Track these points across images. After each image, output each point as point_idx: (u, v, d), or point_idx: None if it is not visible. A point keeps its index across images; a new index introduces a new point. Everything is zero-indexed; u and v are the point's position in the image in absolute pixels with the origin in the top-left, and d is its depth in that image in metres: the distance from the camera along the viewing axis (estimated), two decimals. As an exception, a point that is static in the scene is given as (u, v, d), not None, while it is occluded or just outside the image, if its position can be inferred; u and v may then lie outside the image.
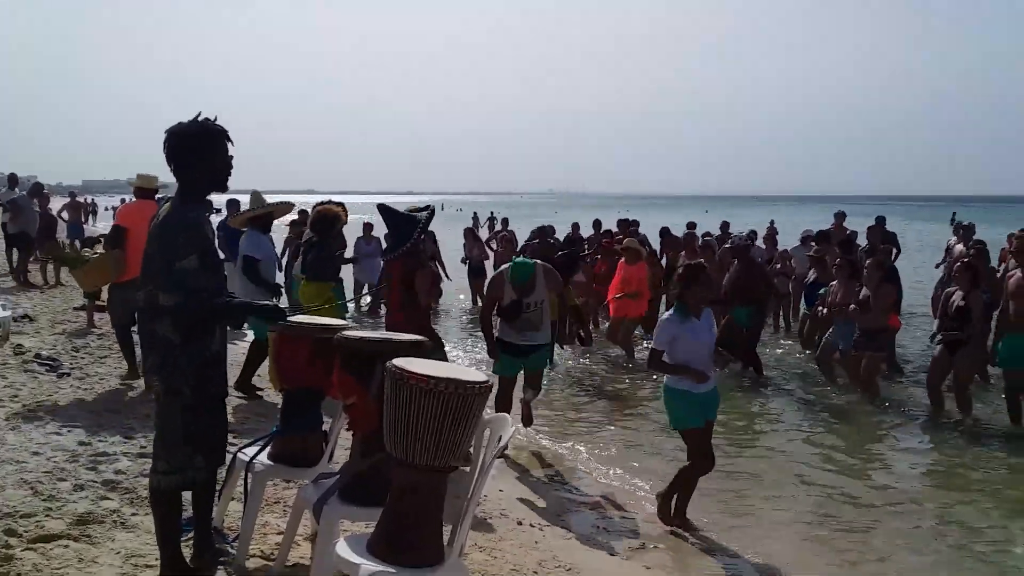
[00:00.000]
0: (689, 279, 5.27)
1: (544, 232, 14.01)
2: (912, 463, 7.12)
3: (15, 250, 15.03)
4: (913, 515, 5.84)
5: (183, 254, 3.33)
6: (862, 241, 13.24)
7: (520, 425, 6.93)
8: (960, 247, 12.58)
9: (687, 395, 5.27)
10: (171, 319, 3.33)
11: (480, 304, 15.84)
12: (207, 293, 3.39)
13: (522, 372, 6.81)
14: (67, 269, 10.29)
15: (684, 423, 5.38)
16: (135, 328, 7.24)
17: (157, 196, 7.69)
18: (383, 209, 6.40)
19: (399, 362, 3.00)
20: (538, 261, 6.70)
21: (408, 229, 6.16)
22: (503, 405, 6.48)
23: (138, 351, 4.71)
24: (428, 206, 6.62)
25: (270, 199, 8.00)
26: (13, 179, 15.46)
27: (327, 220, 7.53)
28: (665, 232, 14.63)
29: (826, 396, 9.13)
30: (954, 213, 14.41)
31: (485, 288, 7.03)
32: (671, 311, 5.40)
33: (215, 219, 6.79)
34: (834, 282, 9.39)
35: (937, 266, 14.02)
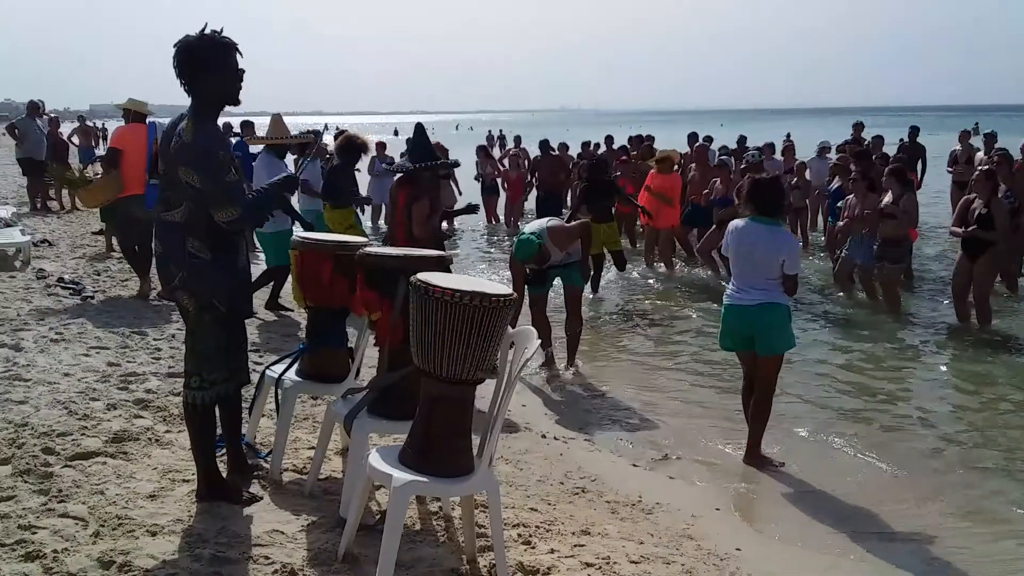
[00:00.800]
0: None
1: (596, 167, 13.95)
2: (938, 378, 7.11)
3: (27, 175, 14.90)
4: (937, 433, 5.81)
5: (226, 168, 3.33)
6: (889, 150, 13.04)
7: (566, 368, 6.89)
8: (981, 155, 12.39)
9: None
10: (200, 236, 3.35)
11: (497, 222, 15.86)
12: (255, 203, 3.47)
13: (561, 292, 6.90)
14: (70, 190, 10.47)
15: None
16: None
17: (148, 120, 7.97)
18: (418, 128, 6.31)
19: (424, 276, 3.01)
20: (536, 233, 6.38)
21: (425, 157, 6.07)
22: (539, 325, 6.61)
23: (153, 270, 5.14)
24: (455, 162, 6.75)
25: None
26: (33, 107, 14.92)
27: (354, 147, 7.51)
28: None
29: (848, 311, 9.10)
30: (976, 123, 14.10)
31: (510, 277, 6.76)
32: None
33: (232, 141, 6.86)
34: (851, 195, 9.28)
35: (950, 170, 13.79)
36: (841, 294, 9.56)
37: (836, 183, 10.89)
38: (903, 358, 7.56)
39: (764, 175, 5.50)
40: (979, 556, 4.12)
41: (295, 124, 8.90)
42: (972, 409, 6.23)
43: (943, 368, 7.34)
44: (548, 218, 6.90)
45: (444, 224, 6.90)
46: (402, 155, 7.11)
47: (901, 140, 14.17)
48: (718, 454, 5.33)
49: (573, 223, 6.92)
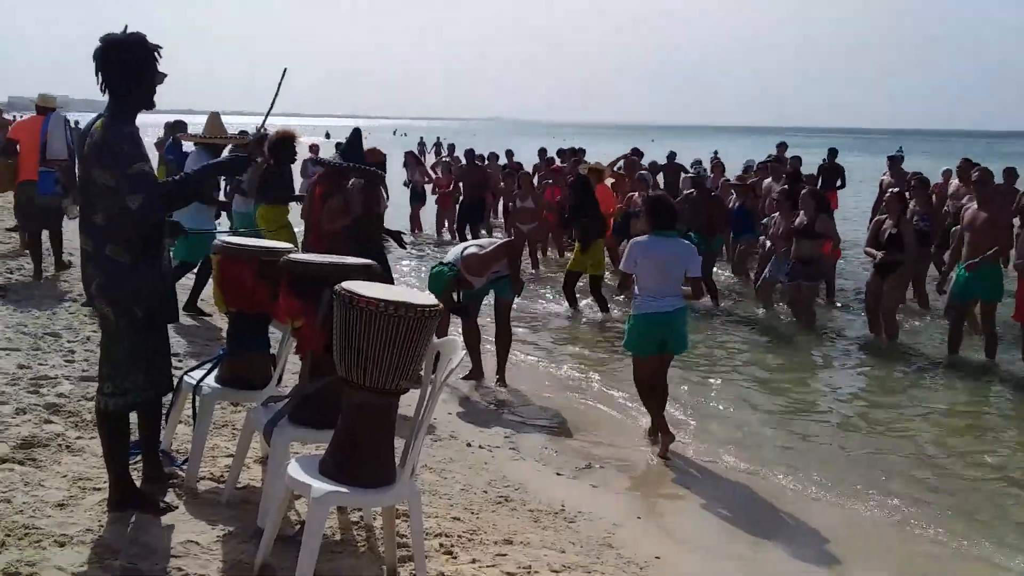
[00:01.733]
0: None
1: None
2: (848, 386, 7.43)
3: None
4: (847, 432, 6.15)
5: (133, 160, 3.25)
6: (807, 170, 13.42)
7: (494, 380, 6.76)
8: (886, 178, 12.85)
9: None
10: (118, 240, 3.26)
11: (419, 232, 15.71)
12: (172, 190, 3.41)
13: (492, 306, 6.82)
14: None
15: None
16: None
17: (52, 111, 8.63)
18: (355, 132, 6.29)
19: (348, 285, 2.99)
20: (450, 264, 6.22)
21: (355, 159, 6.07)
22: (468, 333, 6.65)
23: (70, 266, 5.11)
24: (377, 172, 6.47)
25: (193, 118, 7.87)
26: None
27: (284, 143, 7.42)
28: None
29: (766, 322, 9.38)
30: (900, 147, 14.74)
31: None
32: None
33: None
34: (775, 214, 9.56)
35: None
36: (761, 309, 9.81)
37: (737, 202, 11.24)
38: (815, 367, 7.94)
39: (657, 192, 6.45)
40: (900, 555, 4.40)
41: (228, 124, 8.73)
42: (879, 412, 6.65)
43: (851, 377, 7.71)
44: (465, 244, 6.64)
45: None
46: (333, 156, 7.06)
47: (822, 161, 14.65)
48: (641, 461, 5.42)
49: (494, 246, 6.51)
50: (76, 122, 15.09)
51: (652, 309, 5.38)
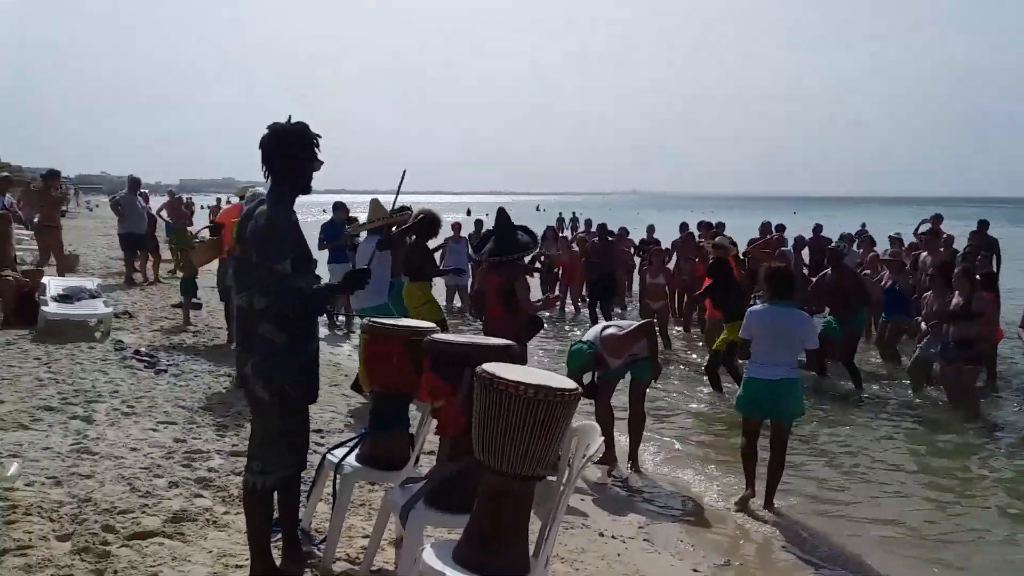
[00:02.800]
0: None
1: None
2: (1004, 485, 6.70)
3: (124, 250, 15.30)
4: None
5: (280, 257, 3.37)
6: (959, 245, 12.66)
7: (627, 465, 6.58)
8: None
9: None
10: (274, 321, 3.37)
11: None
12: (300, 293, 3.43)
13: (628, 383, 6.63)
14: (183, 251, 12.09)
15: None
16: None
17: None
18: (501, 213, 6.39)
19: (489, 367, 2.96)
20: (589, 342, 6.30)
21: (514, 242, 6.12)
22: (601, 414, 6.44)
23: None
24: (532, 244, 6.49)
25: (342, 197, 8.18)
26: (134, 183, 15.47)
27: (431, 223, 7.56)
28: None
29: (919, 408, 8.74)
30: None
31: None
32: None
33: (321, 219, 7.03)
34: (928, 292, 8.99)
35: None
36: (911, 392, 9.16)
37: (889, 280, 10.63)
38: (976, 456, 7.22)
39: (783, 264, 6.41)
40: None
41: (353, 203, 9.21)
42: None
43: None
44: (605, 324, 6.61)
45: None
46: (472, 236, 7.12)
47: (971, 233, 13.59)
48: (779, 559, 5.07)
49: (632, 327, 6.39)
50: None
51: (760, 375, 5.67)
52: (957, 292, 8.32)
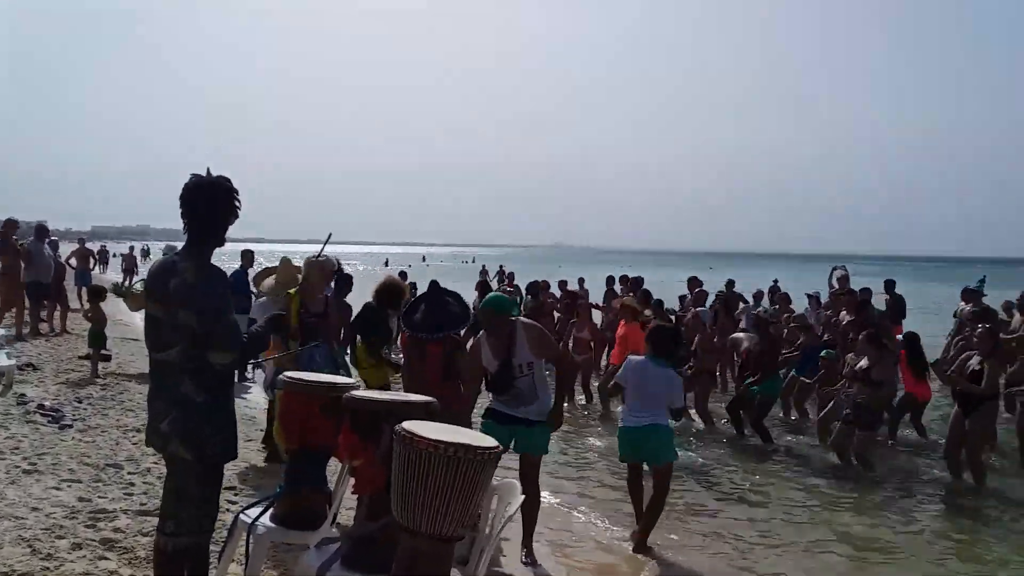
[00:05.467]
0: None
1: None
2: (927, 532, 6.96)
3: (30, 299, 14.74)
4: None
5: (229, 310, 3.35)
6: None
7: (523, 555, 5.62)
8: (964, 306, 12.53)
9: None
10: (194, 378, 3.30)
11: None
12: (254, 343, 3.52)
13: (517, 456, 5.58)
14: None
15: None
16: None
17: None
18: (433, 286, 6.33)
19: (408, 425, 2.95)
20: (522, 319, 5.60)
21: (457, 316, 6.07)
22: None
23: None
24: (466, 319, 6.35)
25: (273, 247, 8.00)
26: (42, 230, 15.02)
27: (391, 292, 7.21)
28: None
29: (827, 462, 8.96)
30: (983, 277, 14.27)
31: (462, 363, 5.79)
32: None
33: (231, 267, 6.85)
34: (851, 354, 9.27)
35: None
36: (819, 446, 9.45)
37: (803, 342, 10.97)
38: (882, 507, 7.41)
39: (668, 325, 6.74)
40: None
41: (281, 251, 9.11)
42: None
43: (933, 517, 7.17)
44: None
45: None
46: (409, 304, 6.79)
47: (885, 295, 14.14)
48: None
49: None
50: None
51: (630, 423, 6.06)
52: (865, 357, 8.60)
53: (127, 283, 11.90)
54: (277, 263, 7.61)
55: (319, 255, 6.90)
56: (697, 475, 8.21)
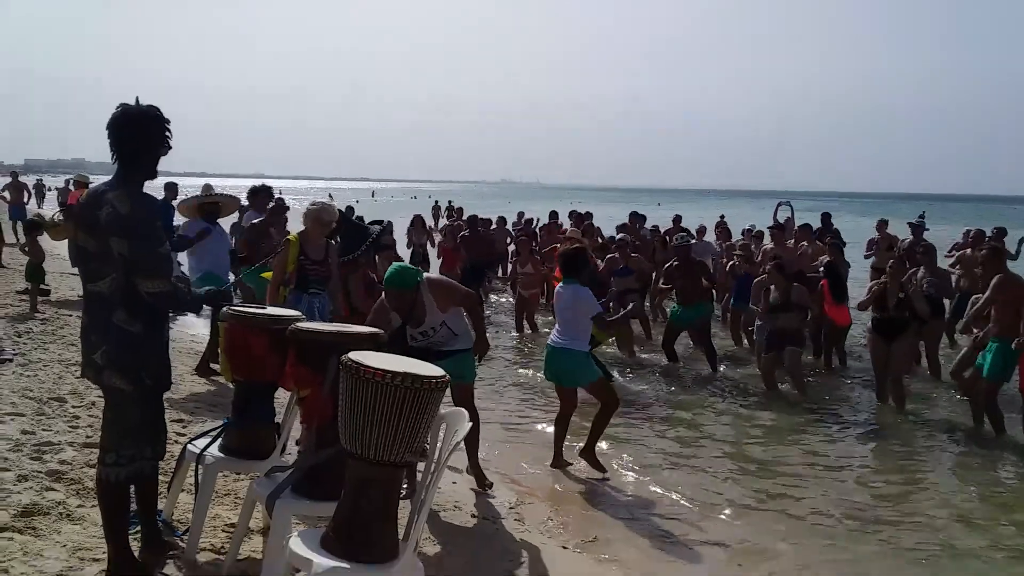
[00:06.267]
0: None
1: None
2: (848, 453, 7.30)
3: None
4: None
5: (161, 240, 3.31)
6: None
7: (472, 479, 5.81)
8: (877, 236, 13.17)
9: None
10: (127, 308, 3.28)
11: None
12: (186, 280, 3.44)
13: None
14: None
15: None
16: None
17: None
18: (341, 215, 6.45)
19: (354, 355, 2.99)
20: (426, 275, 5.38)
21: (357, 239, 6.19)
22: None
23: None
24: (383, 222, 6.63)
25: (216, 183, 8.08)
26: None
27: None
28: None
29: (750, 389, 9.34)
30: (923, 212, 15.26)
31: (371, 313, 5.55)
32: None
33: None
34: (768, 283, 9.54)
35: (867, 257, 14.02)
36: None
37: (742, 270, 11.33)
38: (810, 433, 7.75)
39: (573, 248, 6.49)
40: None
41: (235, 186, 9.05)
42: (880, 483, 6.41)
43: (852, 443, 7.52)
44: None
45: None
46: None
47: (818, 228, 14.54)
48: (647, 534, 5.32)
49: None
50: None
51: (549, 344, 6.32)
52: (773, 286, 8.92)
53: (50, 215, 12.40)
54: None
55: (316, 203, 6.76)
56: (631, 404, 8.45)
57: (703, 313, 10.30)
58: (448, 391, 3.17)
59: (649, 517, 5.60)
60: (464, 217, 17.96)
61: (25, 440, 5.13)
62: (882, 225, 14.63)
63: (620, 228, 14.60)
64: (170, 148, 3.48)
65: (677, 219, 16.71)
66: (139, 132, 3.38)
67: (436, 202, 33.37)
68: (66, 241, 11.12)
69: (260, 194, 10.32)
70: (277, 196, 10.51)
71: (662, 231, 15.10)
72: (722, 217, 18.24)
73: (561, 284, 6.40)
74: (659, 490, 6.11)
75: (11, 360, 7.36)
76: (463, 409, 3.25)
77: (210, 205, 8.31)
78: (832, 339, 10.37)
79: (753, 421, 8.16)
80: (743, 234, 14.51)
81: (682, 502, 5.90)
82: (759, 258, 11.78)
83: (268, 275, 6.67)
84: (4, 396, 6.10)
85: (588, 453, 6.33)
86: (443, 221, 23.07)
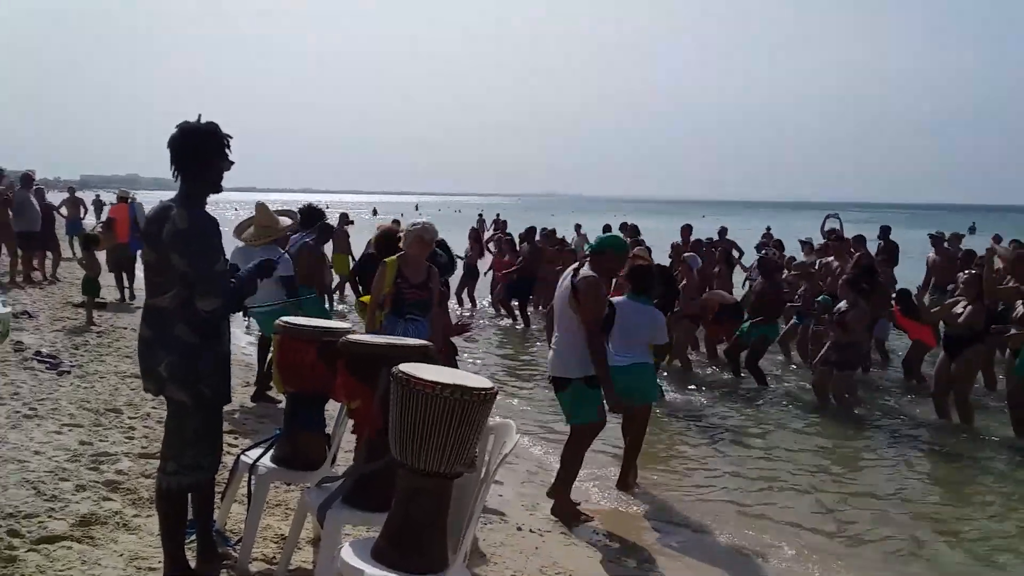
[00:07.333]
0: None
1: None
2: (915, 475, 7.14)
3: (21, 249, 14.74)
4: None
5: (217, 257, 3.39)
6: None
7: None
8: (932, 256, 12.84)
9: None
10: (188, 322, 3.36)
11: (471, 305, 15.85)
12: (240, 290, 3.54)
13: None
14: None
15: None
16: None
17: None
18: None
19: (405, 367, 3.01)
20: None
21: (443, 266, 6.23)
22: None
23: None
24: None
25: (266, 197, 8.02)
26: (27, 179, 15.17)
27: (392, 240, 6.74)
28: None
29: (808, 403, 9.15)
30: (973, 223, 14.92)
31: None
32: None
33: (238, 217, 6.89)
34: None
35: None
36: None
37: (802, 286, 11.07)
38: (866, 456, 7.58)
39: (643, 263, 6.43)
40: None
41: (284, 201, 9.09)
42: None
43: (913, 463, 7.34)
44: None
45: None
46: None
47: (878, 241, 14.25)
48: (698, 548, 5.26)
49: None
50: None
51: (612, 363, 5.67)
52: (844, 300, 8.77)
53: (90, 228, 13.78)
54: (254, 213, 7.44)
55: (416, 222, 6.30)
56: (686, 418, 8.34)
57: (771, 336, 10.25)
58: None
59: (709, 540, 5.50)
60: (506, 229, 18.04)
61: (83, 451, 5.26)
62: (955, 239, 14.31)
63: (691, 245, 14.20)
64: (232, 163, 3.55)
65: (723, 231, 16.56)
66: (199, 148, 3.45)
67: (480, 214, 33.48)
68: (105, 251, 13.04)
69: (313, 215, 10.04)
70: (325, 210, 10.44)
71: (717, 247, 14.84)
72: (768, 229, 18.05)
73: (628, 297, 6.17)
74: (723, 514, 5.97)
75: (69, 372, 7.55)
76: (511, 422, 3.26)
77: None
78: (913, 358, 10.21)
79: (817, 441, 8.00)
80: (801, 246, 14.13)
81: (745, 530, 5.70)
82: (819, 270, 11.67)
83: (366, 299, 6.53)
84: (62, 407, 6.26)
85: (622, 483, 6.23)
86: (487, 234, 23.14)
